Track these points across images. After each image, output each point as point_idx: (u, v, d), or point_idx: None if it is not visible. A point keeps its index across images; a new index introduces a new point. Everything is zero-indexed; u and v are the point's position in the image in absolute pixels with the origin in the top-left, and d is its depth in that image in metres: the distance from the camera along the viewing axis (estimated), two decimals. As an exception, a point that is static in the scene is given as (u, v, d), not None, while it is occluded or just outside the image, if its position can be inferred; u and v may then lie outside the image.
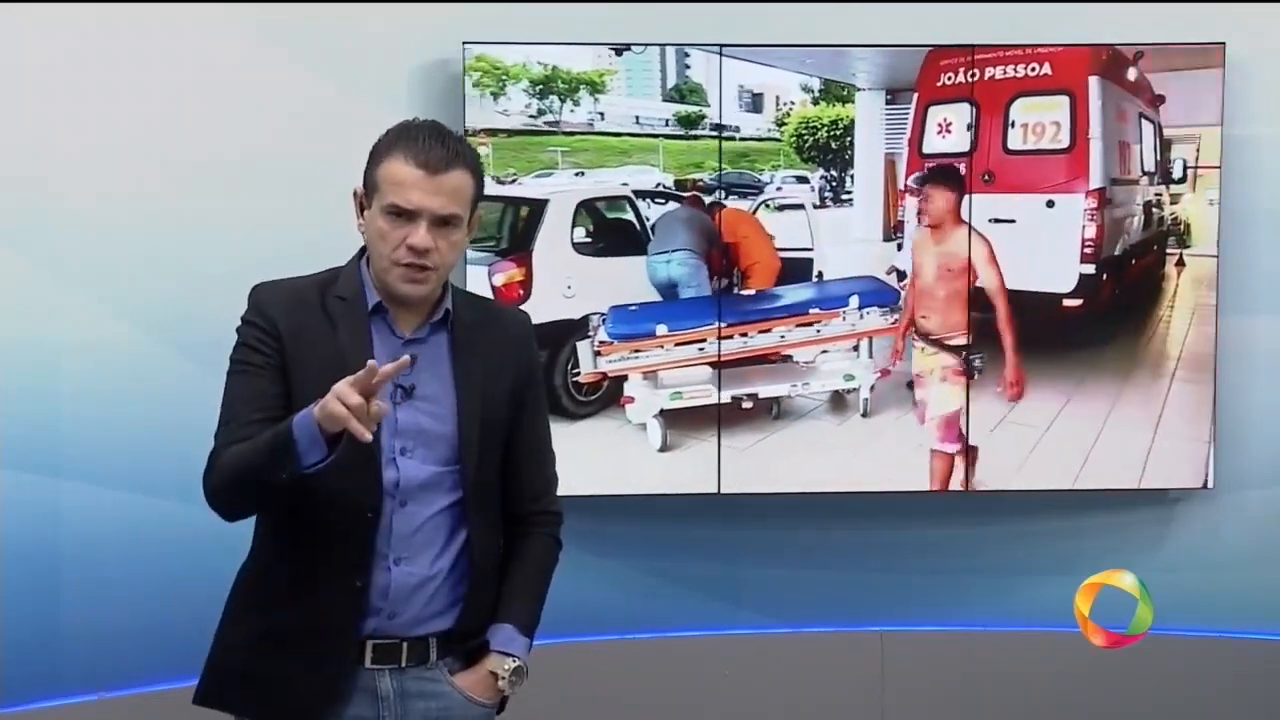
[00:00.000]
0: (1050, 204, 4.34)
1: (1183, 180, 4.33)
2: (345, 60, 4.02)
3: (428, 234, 2.30)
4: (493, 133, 4.02)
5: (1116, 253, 4.33)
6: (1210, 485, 4.28)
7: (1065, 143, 4.29)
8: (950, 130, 4.27)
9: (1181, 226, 4.34)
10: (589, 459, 4.11)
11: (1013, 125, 4.31)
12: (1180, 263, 4.35)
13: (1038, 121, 4.30)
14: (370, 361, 2.15)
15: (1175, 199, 4.33)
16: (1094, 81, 4.26)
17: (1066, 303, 4.34)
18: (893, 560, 4.36)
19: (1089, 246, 4.34)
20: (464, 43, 4.02)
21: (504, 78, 3.99)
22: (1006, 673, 4.36)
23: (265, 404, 2.32)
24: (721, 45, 4.13)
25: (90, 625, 3.87)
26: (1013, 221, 4.34)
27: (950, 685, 4.37)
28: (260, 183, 3.96)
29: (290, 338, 2.35)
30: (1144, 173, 4.36)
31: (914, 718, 4.36)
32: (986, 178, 4.30)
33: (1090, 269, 4.34)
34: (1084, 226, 4.33)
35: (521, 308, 2.64)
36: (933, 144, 4.29)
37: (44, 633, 3.85)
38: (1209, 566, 4.36)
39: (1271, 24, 4.27)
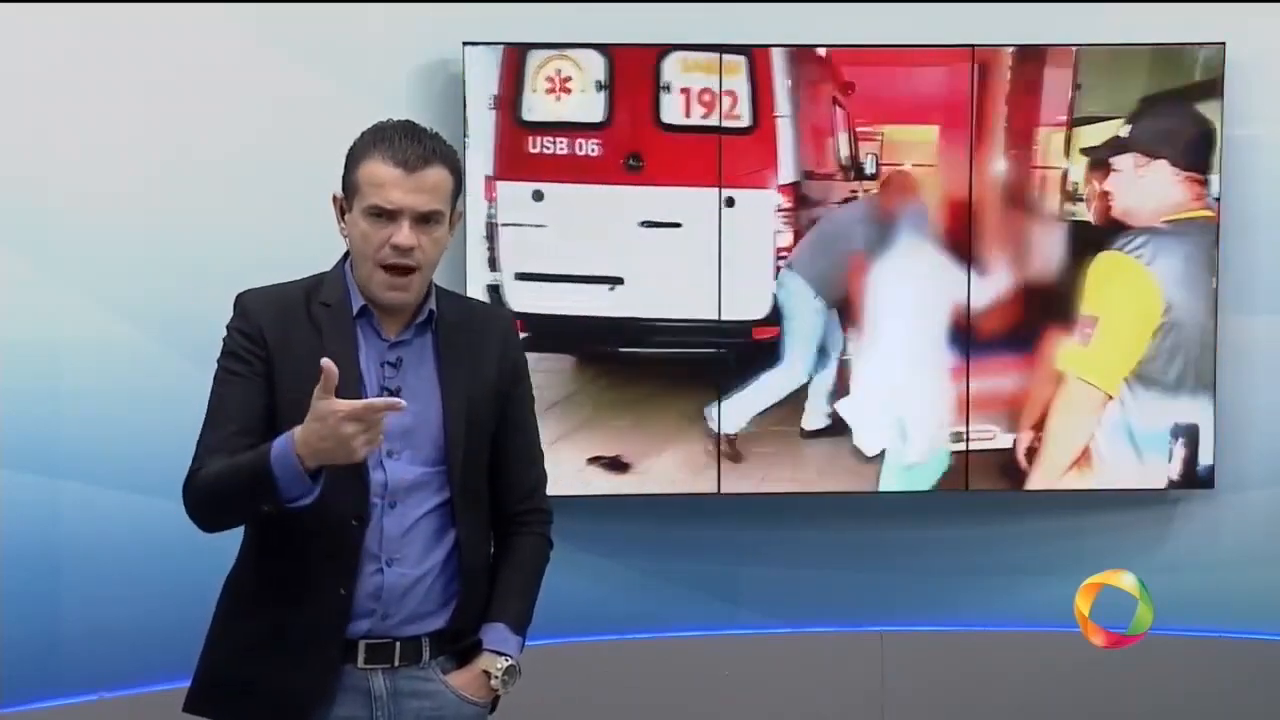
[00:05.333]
0: (730, 202, 3.96)
1: (875, 177, 4.00)
2: (345, 60, 4.03)
3: (410, 232, 2.31)
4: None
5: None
6: (1211, 485, 4.28)
7: (746, 121, 3.91)
8: (567, 89, 3.88)
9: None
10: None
11: (666, 89, 3.92)
12: None
13: (704, 88, 3.88)
14: (324, 361, 2.15)
15: (868, 194, 4.01)
16: (778, 54, 3.88)
17: (758, 334, 3.98)
18: (893, 560, 4.35)
19: (784, 257, 3.99)
20: (464, 43, 4.02)
21: None
22: (1006, 673, 4.36)
23: (246, 417, 2.33)
24: (722, 46, 4.12)
25: (90, 625, 3.88)
26: (677, 226, 3.95)
27: (950, 685, 4.37)
28: (260, 183, 3.97)
29: (277, 346, 2.36)
30: (840, 167, 3.97)
31: (914, 718, 4.36)
32: (632, 163, 3.91)
33: None
34: (776, 232, 3.96)
35: (504, 305, 2.61)
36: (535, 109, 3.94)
37: (44, 633, 3.85)
38: (1209, 566, 4.35)
39: (1271, 24, 4.27)
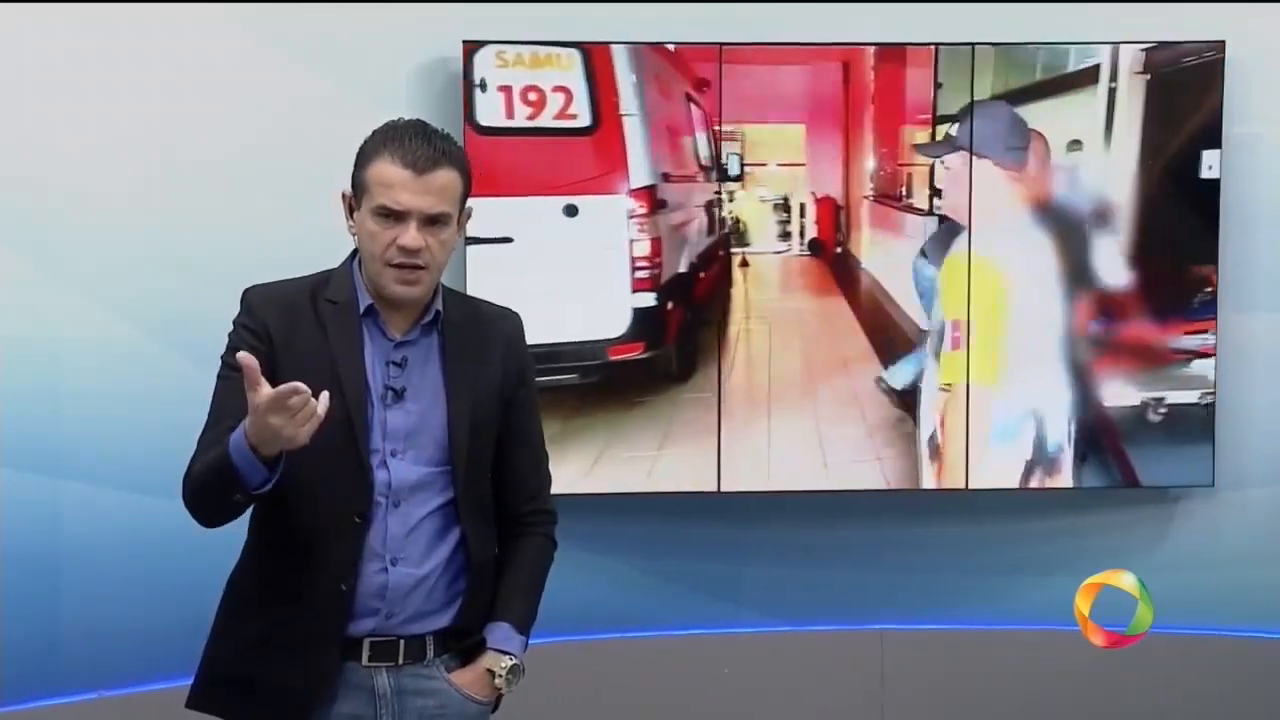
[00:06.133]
0: (571, 210, 3.68)
1: (739, 178, 3.80)
2: (345, 60, 4.03)
3: (418, 233, 2.31)
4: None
5: (681, 270, 3.67)
6: (1211, 484, 4.28)
7: (585, 120, 3.60)
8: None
9: (741, 225, 3.84)
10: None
11: (482, 87, 3.57)
12: (744, 263, 3.82)
13: (529, 85, 3.56)
14: (240, 355, 2.16)
15: (731, 196, 3.83)
16: (619, 49, 3.55)
17: (615, 353, 3.68)
18: (893, 560, 4.36)
19: (642, 267, 3.71)
20: (464, 42, 4.01)
21: None
22: (1006, 673, 4.36)
23: (245, 413, 2.32)
24: (721, 44, 4.11)
25: (90, 625, 3.88)
26: (507, 241, 3.61)
27: (950, 685, 4.37)
28: (260, 183, 3.97)
29: (282, 343, 2.36)
30: (701, 168, 3.75)
31: (914, 718, 4.36)
32: None
33: (648, 299, 3.68)
34: (632, 240, 3.65)
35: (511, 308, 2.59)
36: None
37: (44, 632, 3.86)
38: (1209, 565, 4.35)
39: (1271, 24, 4.27)
